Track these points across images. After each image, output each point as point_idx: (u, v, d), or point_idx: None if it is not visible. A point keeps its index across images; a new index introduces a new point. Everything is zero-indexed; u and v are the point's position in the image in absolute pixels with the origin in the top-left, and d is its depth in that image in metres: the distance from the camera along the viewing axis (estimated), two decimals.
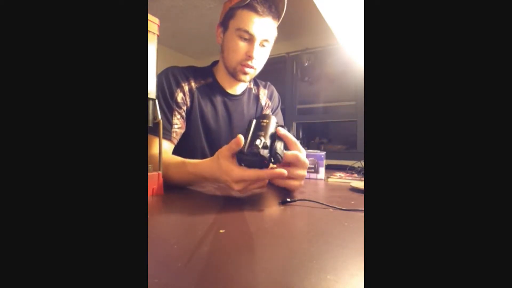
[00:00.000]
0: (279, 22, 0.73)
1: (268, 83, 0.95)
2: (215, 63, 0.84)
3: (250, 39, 0.69)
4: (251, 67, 0.72)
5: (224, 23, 0.73)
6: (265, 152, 0.42)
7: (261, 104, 0.90)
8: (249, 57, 0.70)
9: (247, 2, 0.66)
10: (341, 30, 0.85)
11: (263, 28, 0.69)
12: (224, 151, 0.44)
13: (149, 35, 0.48)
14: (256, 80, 0.91)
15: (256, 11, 0.67)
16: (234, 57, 0.71)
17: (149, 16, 0.47)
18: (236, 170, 0.42)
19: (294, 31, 2.30)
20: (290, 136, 0.47)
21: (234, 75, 0.74)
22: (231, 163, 0.43)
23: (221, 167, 0.44)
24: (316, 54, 2.40)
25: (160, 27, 0.50)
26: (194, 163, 0.53)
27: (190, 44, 2.68)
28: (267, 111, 0.92)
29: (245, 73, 0.73)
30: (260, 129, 0.45)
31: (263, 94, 0.91)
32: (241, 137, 0.41)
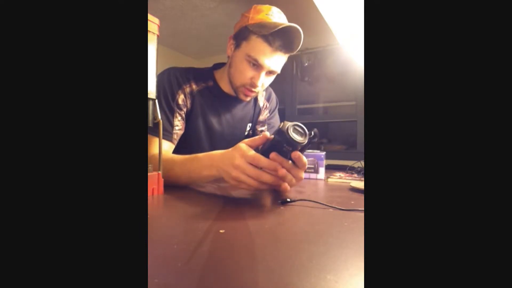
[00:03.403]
0: (293, 53, 0.72)
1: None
2: (217, 65, 0.84)
3: (258, 68, 0.70)
4: (253, 92, 0.74)
5: (237, 40, 0.72)
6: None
7: (259, 105, 0.92)
8: (253, 84, 0.71)
9: (263, 33, 0.65)
10: (341, 30, 0.85)
11: (273, 61, 0.69)
12: (245, 141, 0.47)
13: (149, 35, 0.48)
14: None
15: (269, 44, 0.66)
16: (239, 79, 0.72)
17: (149, 16, 0.47)
18: (245, 147, 0.45)
19: None
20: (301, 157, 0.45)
21: (236, 93, 0.76)
22: (247, 147, 0.45)
23: (236, 147, 0.46)
24: (316, 54, 2.40)
25: (160, 27, 0.50)
26: (207, 153, 0.54)
27: (190, 44, 2.68)
28: (265, 112, 0.93)
29: (246, 95, 0.75)
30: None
31: (261, 95, 0.93)
32: (266, 133, 0.45)
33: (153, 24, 0.49)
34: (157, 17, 0.49)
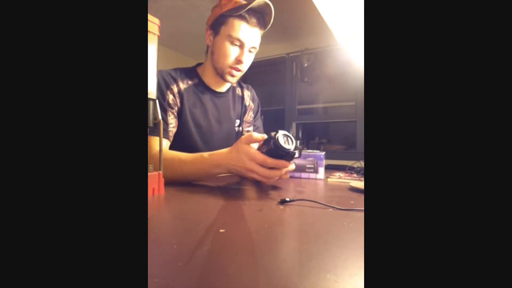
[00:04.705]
0: (264, 31, 0.81)
1: (249, 85, 1.01)
2: (199, 64, 0.89)
3: (240, 46, 0.76)
4: (239, 70, 0.79)
5: (215, 28, 0.78)
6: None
7: (245, 104, 0.97)
8: (239, 61, 0.77)
9: (239, 13, 0.72)
10: (341, 31, 0.85)
11: (252, 37, 0.76)
12: (243, 139, 0.55)
13: (150, 36, 0.48)
14: (239, 82, 0.97)
15: (247, 21, 0.74)
16: (225, 61, 0.77)
17: (150, 17, 0.47)
18: (252, 150, 0.53)
19: (294, 32, 2.31)
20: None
21: (223, 76, 0.80)
22: (250, 147, 0.54)
23: (240, 148, 0.55)
24: (316, 55, 2.40)
25: (161, 28, 0.50)
26: (211, 152, 0.61)
27: (191, 45, 2.68)
28: (250, 113, 0.99)
29: (233, 76, 0.80)
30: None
31: (247, 95, 0.98)
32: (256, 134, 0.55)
33: (153, 24, 0.49)
34: (157, 17, 0.49)
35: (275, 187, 0.61)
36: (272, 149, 0.51)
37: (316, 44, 2.37)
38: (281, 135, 0.51)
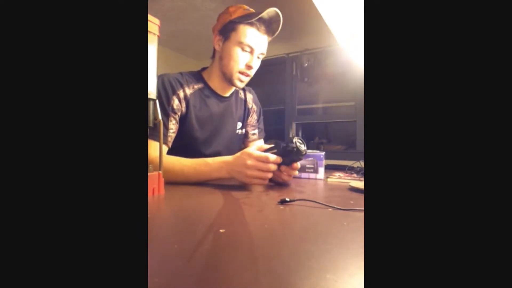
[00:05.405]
0: (272, 38, 0.84)
1: (251, 88, 1.03)
2: (204, 69, 0.90)
3: (251, 52, 0.79)
4: (248, 75, 0.82)
5: (225, 33, 0.80)
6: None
7: (248, 107, 0.99)
8: (249, 67, 0.80)
9: (251, 21, 0.74)
10: (341, 31, 0.85)
11: (262, 44, 0.80)
12: (251, 149, 0.61)
13: (150, 36, 0.48)
14: None
15: (258, 28, 0.77)
16: (235, 66, 0.79)
17: (150, 17, 0.47)
18: (255, 151, 0.59)
19: (294, 32, 2.30)
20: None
21: (231, 81, 0.82)
22: (253, 150, 0.60)
23: (243, 151, 0.61)
24: (316, 55, 2.40)
25: (161, 28, 0.50)
26: (215, 158, 0.65)
27: (191, 45, 2.68)
28: (254, 116, 1.01)
29: (242, 81, 0.82)
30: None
31: (250, 98, 1.00)
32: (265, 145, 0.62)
33: (153, 24, 0.49)
34: (157, 18, 0.49)
35: (275, 187, 0.61)
36: (286, 150, 0.60)
37: (316, 44, 2.37)
38: (295, 138, 0.61)
